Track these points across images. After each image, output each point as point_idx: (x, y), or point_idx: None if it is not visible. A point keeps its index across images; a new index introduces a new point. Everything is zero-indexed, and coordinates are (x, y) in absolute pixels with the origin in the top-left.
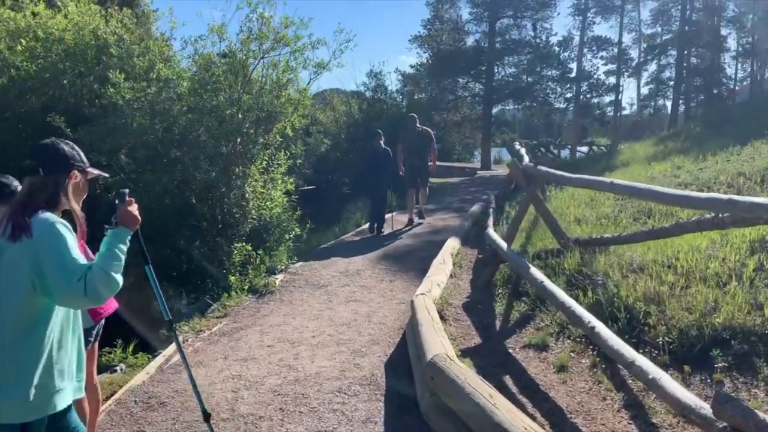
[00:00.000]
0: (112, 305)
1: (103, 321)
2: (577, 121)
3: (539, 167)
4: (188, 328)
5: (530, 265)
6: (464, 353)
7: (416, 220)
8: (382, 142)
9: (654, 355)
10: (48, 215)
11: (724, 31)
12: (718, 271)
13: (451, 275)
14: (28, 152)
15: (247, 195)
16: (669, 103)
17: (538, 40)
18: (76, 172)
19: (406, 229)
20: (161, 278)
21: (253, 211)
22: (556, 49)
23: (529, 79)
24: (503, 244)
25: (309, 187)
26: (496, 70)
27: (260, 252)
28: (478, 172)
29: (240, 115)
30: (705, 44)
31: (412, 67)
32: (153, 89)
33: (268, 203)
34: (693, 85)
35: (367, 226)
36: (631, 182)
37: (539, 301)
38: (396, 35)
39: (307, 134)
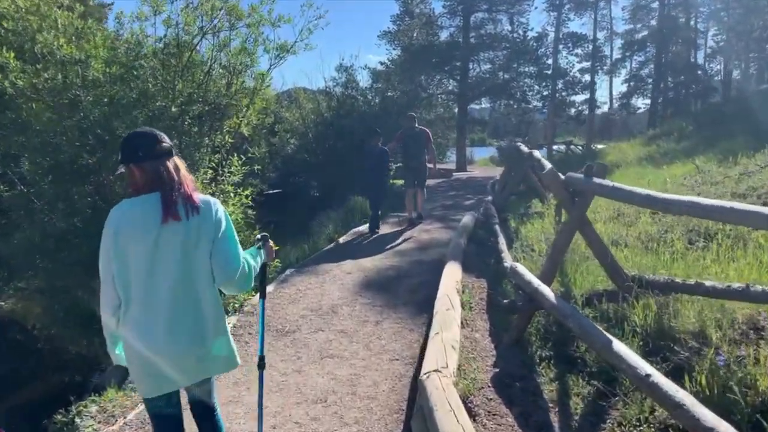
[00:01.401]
0: None
1: None
2: (552, 120)
3: (594, 179)
4: (96, 408)
5: (612, 339)
6: None
7: (415, 220)
8: (380, 142)
9: None
10: (209, 197)
11: (701, 27)
12: None
13: (462, 323)
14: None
15: None
16: (643, 101)
17: (515, 35)
18: None
19: (406, 231)
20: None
21: None
22: (534, 44)
23: (505, 75)
24: (546, 290)
25: (274, 191)
26: (471, 67)
27: None
28: (454, 173)
29: (174, 108)
30: (683, 41)
31: (381, 63)
32: (50, 72)
33: None
34: (673, 82)
35: (340, 240)
36: (751, 206)
37: (608, 372)
38: (364, 33)
39: (272, 134)
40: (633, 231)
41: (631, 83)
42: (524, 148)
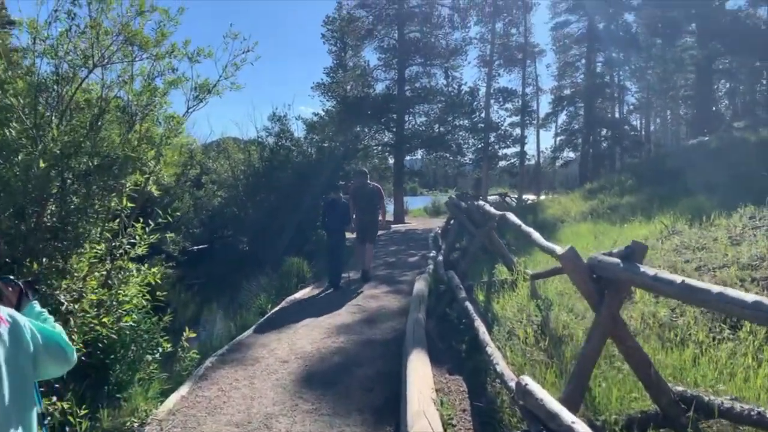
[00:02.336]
0: None
1: None
2: (486, 172)
3: (628, 267)
4: None
5: None
6: None
7: (366, 275)
8: (342, 195)
9: None
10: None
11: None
12: None
13: None
14: None
15: (64, 308)
16: (574, 154)
17: (449, 89)
18: None
19: (355, 294)
20: None
21: (75, 336)
22: (468, 98)
23: (441, 128)
24: (577, 425)
25: (199, 247)
26: (406, 119)
27: (85, 407)
28: (392, 225)
29: (43, 164)
30: (608, 98)
31: (315, 115)
32: None
33: (110, 316)
34: (602, 137)
35: (273, 312)
36: None
37: None
38: (297, 84)
39: (198, 186)
40: (634, 312)
41: (562, 137)
42: (489, 208)
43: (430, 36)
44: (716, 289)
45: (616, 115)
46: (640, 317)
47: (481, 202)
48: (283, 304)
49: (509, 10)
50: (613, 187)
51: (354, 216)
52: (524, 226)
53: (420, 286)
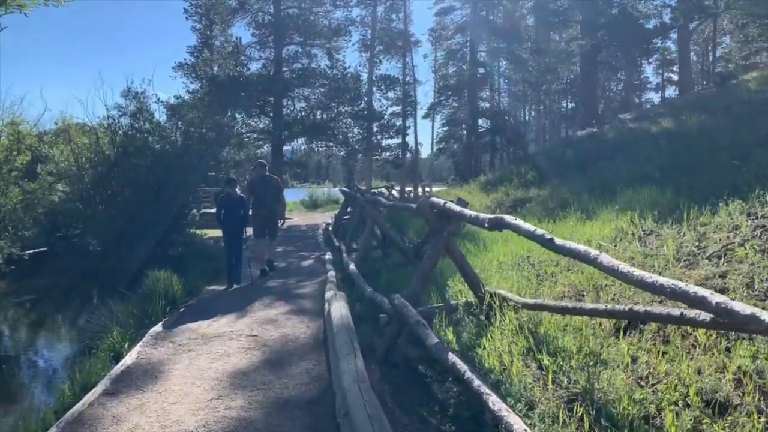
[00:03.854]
0: None
1: None
2: (369, 163)
3: None
4: None
5: None
6: None
7: (268, 271)
8: (237, 189)
9: None
10: None
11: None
12: None
13: None
14: None
15: None
16: (457, 146)
17: (333, 72)
18: None
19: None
20: None
21: None
22: (352, 83)
23: (323, 114)
24: None
25: (34, 251)
26: (285, 103)
27: None
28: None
29: None
30: (492, 88)
31: (177, 98)
32: None
33: None
34: (483, 128)
35: (131, 357)
36: None
37: None
38: (156, 62)
39: (30, 177)
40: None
41: (446, 128)
42: (451, 204)
43: (309, 13)
44: None
45: (502, 106)
46: None
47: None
48: (146, 339)
49: None
50: (512, 180)
51: (251, 210)
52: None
53: (340, 310)
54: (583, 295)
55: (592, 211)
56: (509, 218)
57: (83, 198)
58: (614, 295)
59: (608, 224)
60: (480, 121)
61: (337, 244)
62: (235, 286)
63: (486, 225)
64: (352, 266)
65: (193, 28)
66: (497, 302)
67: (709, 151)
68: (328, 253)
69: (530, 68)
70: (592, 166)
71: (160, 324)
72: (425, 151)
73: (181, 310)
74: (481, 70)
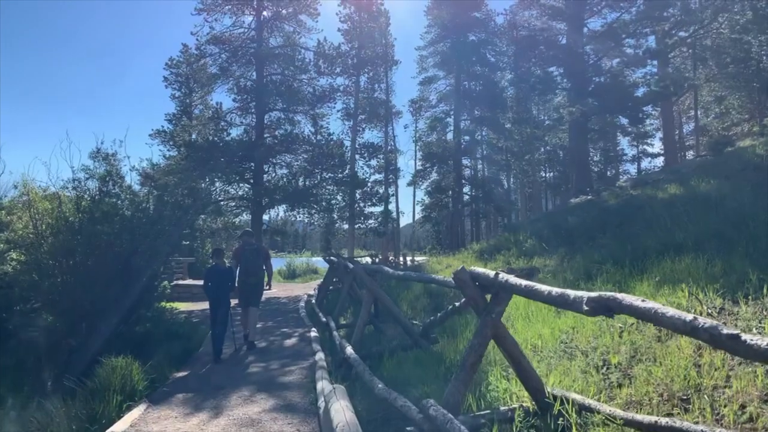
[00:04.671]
0: None
1: None
2: (352, 231)
3: None
4: None
5: None
6: None
7: (249, 344)
8: (226, 260)
9: None
10: None
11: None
12: None
13: None
14: None
15: None
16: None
17: (318, 138)
18: None
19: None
20: None
21: None
22: (337, 149)
23: (306, 181)
24: None
25: None
26: (266, 170)
27: None
28: None
29: None
30: (476, 156)
31: (154, 165)
32: None
33: None
34: (470, 195)
35: None
36: None
37: None
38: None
39: None
40: None
41: (433, 196)
42: (509, 275)
43: (293, 80)
44: None
45: (486, 173)
46: None
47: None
48: None
49: (373, 64)
50: (510, 248)
51: (237, 279)
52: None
53: (344, 413)
54: (686, 401)
55: (624, 284)
56: (627, 298)
57: (40, 269)
58: (728, 398)
59: (657, 300)
60: (464, 189)
61: (324, 319)
62: (222, 355)
63: (585, 308)
64: (349, 349)
65: (173, 96)
66: (571, 413)
67: (738, 216)
68: (314, 329)
69: (515, 136)
70: (602, 234)
71: (113, 428)
72: (405, 220)
73: (141, 408)
74: (466, 138)
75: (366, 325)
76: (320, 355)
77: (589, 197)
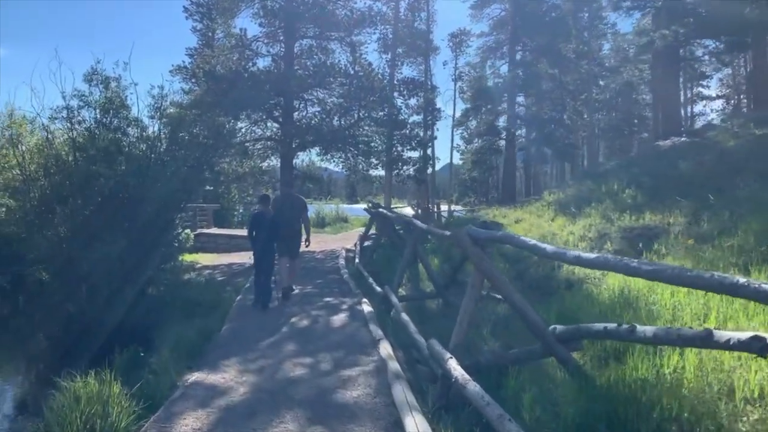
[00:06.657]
0: None
1: None
2: (389, 179)
3: None
4: None
5: None
6: None
7: (288, 293)
8: (271, 207)
9: None
10: None
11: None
12: None
13: None
14: None
15: None
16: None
17: (356, 69)
18: None
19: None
20: None
21: None
22: (380, 83)
23: (342, 120)
24: None
25: None
26: (297, 106)
27: None
28: None
29: None
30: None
31: (173, 104)
32: None
33: None
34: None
35: None
36: None
37: None
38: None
39: None
40: None
41: (483, 138)
42: None
43: (327, 1)
44: None
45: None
46: None
47: None
48: None
49: None
50: (602, 199)
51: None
52: None
53: None
54: None
55: None
56: None
57: (28, 218)
58: None
59: None
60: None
61: (379, 289)
62: (273, 303)
63: None
64: (453, 362)
65: (194, 28)
66: None
67: None
68: (365, 302)
69: (581, 69)
70: (732, 183)
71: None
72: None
73: None
74: (519, 72)
75: (470, 324)
76: (387, 349)
77: (683, 139)
